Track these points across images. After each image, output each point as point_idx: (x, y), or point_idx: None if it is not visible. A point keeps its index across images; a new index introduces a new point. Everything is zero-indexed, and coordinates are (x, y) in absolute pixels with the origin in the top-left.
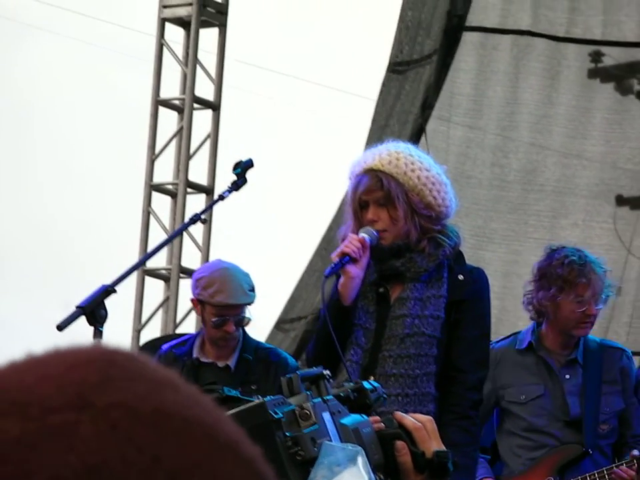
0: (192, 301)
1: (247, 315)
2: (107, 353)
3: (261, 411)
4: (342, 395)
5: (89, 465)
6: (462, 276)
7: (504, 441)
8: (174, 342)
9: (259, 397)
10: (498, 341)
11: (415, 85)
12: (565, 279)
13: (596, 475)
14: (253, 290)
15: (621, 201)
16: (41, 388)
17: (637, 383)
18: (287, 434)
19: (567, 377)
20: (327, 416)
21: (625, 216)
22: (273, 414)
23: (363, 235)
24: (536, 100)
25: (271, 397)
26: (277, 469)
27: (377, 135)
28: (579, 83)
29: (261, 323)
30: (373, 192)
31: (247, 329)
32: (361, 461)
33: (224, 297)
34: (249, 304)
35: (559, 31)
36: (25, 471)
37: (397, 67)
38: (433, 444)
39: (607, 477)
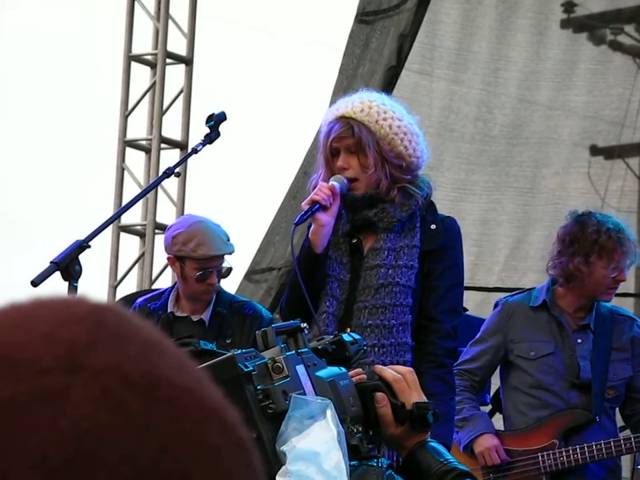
0: (168, 259)
1: (226, 264)
2: (94, 311)
3: (230, 365)
4: (320, 347)
5: (79, 430)
6: (434, 225)
7: (509, 397)
8: (148, 295)
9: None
10: (512, 295)
11: (384, 35)
12: (602, 245)
13: (602, 445)
14: (229, 239)
15: (595, 150)
16: (31, 346)
17: None
18: (258, 387)
19: (579, 341)
20: (300, 369)
21: (600, 165)
22: (243, 367)
23: (333, 182)
24: (524, 57)
25: (243, 350)
26: (247, 422)
27: (344, 86)
28: (566, 36)
29: (237, 276)
30: (344, 139)
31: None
32: (329, 413)
33: (207, 249)
34: (230, 253)
35: None
36: (15, 434)
37: (365, 17)
38: (414, 395)
39: (613, 448)
